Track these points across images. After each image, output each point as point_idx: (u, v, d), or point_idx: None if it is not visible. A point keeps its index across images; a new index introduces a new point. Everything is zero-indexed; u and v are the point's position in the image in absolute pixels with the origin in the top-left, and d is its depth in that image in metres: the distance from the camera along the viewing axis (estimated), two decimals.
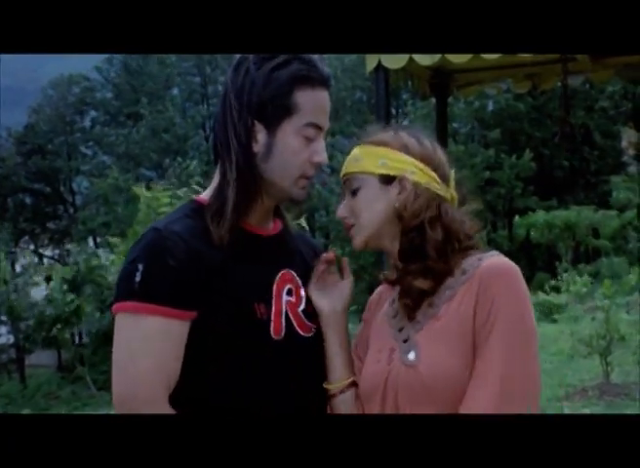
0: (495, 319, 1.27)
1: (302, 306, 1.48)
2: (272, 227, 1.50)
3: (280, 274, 1.45)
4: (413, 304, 1.38)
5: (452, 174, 1.45)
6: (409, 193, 1.37)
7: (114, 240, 7.03)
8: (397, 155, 1.40)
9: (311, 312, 1.49)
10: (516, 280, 1.30)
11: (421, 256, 1.36)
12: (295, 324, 1.44)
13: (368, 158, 1.42)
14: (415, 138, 1.43)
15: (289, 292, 1.46)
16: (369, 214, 1.41)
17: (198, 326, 1.32)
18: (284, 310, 1.43)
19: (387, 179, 1.40)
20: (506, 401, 1.25)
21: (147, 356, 1.29)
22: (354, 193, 1.43)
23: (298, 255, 1.53)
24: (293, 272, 1.48)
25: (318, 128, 1.40)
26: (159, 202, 6.50)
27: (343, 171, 1.45)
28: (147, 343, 1.29)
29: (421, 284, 1.37)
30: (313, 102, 1.38)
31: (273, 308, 1.41)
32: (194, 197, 1.49)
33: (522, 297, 1.29)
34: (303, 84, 1.37)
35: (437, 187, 1.40)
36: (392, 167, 1.40)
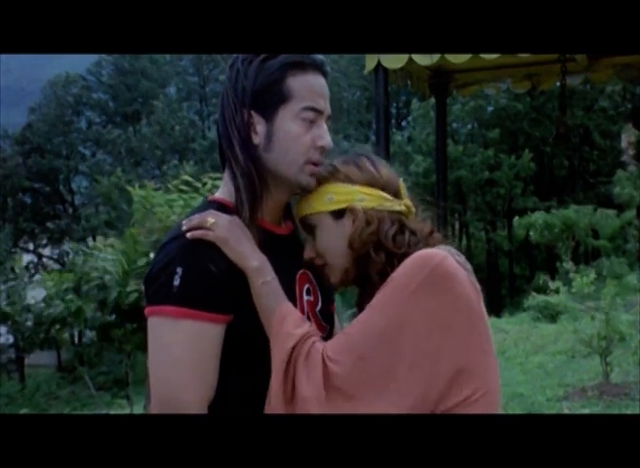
0: (382, 288, 1.30)
1: (319, 306, 1.48)
2: (285, 227, 1.50)
3: (299, 273, 1.45)
4: None
5: (402, 185, 1.45)
6: (360, 221, 1.38)
7: (112, 241, 7.01)
8: (341, 187, 1.41)
9: (327, 313, 1.50)
10: (412, 262, 1.29)
11: (369, 280, 1.38)
12: (314, 324, 1.43)
13: (315, 198, 1.42)
14: (354, 165, 1.43)
15: (307, 292, 1.46)
16: (333, 253, 1.41)
17: (232, 329, 1.32)
18: (306, 310, 1.43)
19: (339, 213, 1.40)
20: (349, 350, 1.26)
21: (190, 361, 1.28)
22: (312, 233, 1.44)
23: None
24: (309, 272, 1.48)
25: (316, 111, 1.38)
26: (153, 200, 6.48)
27: (297, 214, 1.46)
28: (189, 348, 1.28)
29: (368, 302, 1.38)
30: (307, 86, 1.37)
31: (298, 309, 1.40)
32: (209, 197, 1.48)
33: (409, 275, 1.27)
34: (295, 69, 1.36)
35: (388, 205, 1.41)
36: (340, 200, 1.40)
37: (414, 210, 1.44)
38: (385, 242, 1.37)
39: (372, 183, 1.41)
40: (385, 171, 1.45)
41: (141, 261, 6.27)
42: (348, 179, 1.41)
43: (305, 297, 1.44)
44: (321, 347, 1.28)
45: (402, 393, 1.25)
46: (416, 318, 1.25)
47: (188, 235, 1.31)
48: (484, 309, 1.35)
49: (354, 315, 1.42)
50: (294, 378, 1.28)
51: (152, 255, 6.19)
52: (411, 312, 1.25)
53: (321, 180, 1.42)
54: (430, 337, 1.25)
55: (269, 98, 1.36)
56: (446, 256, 1.31)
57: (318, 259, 1.44)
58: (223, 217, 1.34)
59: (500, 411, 1.36)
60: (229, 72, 1.39)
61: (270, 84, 1.35)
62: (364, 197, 1.40)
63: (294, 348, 1.28)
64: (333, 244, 1.41)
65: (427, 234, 1.41)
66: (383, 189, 1.42)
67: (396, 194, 1.43)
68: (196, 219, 1.33)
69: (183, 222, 1.34)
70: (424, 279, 1.27)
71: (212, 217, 1.33)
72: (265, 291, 1.33)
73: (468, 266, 1.36)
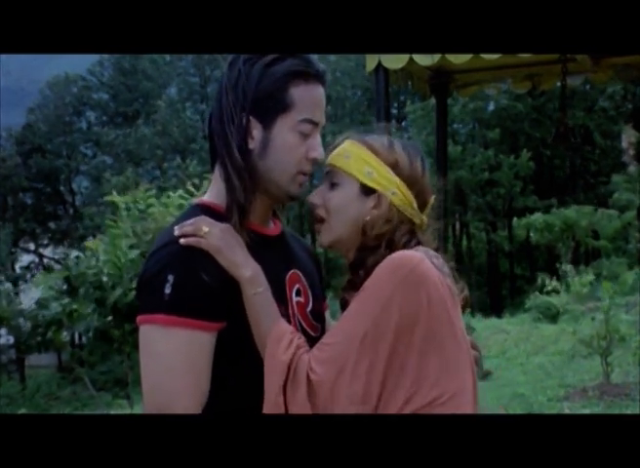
0: (359, 292, 1.31)
1: (310, 306, 1.48)
2: (273, 228, 1.50)
3: (289, 274, 1.45)
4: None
5: (431, 200, 1.46)
6: (381, 213, 1.39)
7: (93, 243, 6.98)
8: (385, 171, 1.40)
9: (318, 312, 1.50)
10: (389, 265, 1.30)
11: (363, 266, 1.38)
12: (305, 325, 1.44)
13: (356, 161, 1.41)
14: (408, 158, 1.43)
15: (297, 293, 1.45)
16: (339, 218, 1.42)
17: (224, 336, 1.32)
18: (296, 312, 1.43)
19: (367, 190, 1.41)
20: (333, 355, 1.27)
21: (183, 370, 1.28)
22: (332, 186, 1.43)
23: (298, 255, 1.53)
24: (299, 272, 1.48)
25: (314, 123, 1.39)
26: (147, 201, 6.44)
27: (330, 160, 1.44)
28: (182, 357, 1.28)
29: (350, 295, 1.39)
30: (308, 98, 1.37)
31: (289, 310, 1.41)
32: (195, 200, 1.48)
33: (386, 279, 1.28)
34: (298, 79, 1.36)
35: (411, 213, 1.42)
36: (376, 180, 1.40)
37: (425, 227, 1.45)
38: (397, 244, 1.38)
39: (411, 184, 1.41)
40: (427, 180, 1.45)
41: (128, 256, 6.23)
42: (395, 166, 1.41)
43: (295, 298, 1.44)
44: (307, 359, 1.28)
45: (374, 395, 1.26)
46: (392, 324, 1.26)
47: (182, 241, 1.30)
48: (459, 312, 1.36)
49: (342, 306, 1.42)
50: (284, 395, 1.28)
51: (134, 250, 6.19)
52: (387, 319, 1.26)
53: (373, 147, 1.42)
54: (404, 341, 1.27)
55: (270, 106, 1.35)
56: (422, 259, 1.31)
57: (321, 210, 1.43)
58: (217, 226, 1.33)
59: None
60: (229, 71, 1.38)
61: (272, 92, 1.35)
62: (397, 193, 1.40)
63: (288, 370, 1.28)
64: (344, 211, 1.41)
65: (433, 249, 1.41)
66: (417, 196, 1.42)
67: (422, 206, 1.44)
68: (189, 227, 1.32)
69: (175, 228, 1.33)
70: (400, 283, 1.28)
71: (205, 226, 1.32)
72: (258, 301, 1.32)
73: (446, 269, 1.37)
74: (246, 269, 1.32)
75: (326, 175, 1.45)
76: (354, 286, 1.37)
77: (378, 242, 1.38)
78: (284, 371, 1.27)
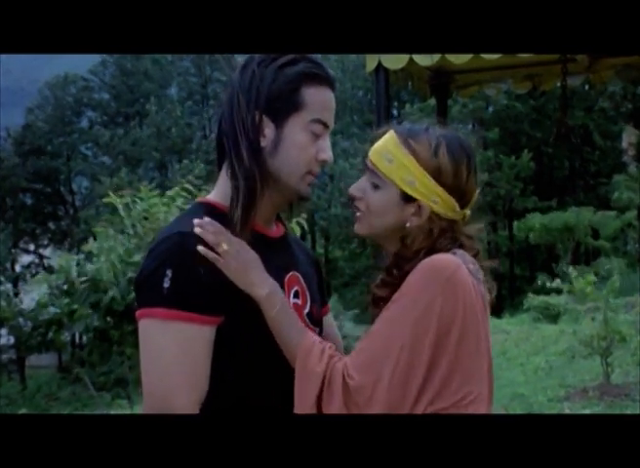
0: (396, 297, 1.31)
1: (307, 309, 1.48)
2: (276, 230, 1.50)
3: (288, 276, 1.46)
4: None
5: (475, 196, 1.44)
6: (421, 222, 1.39)
7: (89, 245, 6.95)
8: (427, 180, 1.38)
9: (315, 315, 1.50)
10: (427, 271, 1.30)
11: (400, 269, 1.39)
12: None
13: (398, 168, 1.39)
14: (452, 164, 1.39)
15: (295, 295, 1.46)
16: (378, 218, 1.42)
17: (223, 330, 1.32)
18: None
19: (408, 198, 1.39)
20: (369, 363, 1.27)
21: (182, 363, 1.28)
22: (373, 186, 1.42)
23: (298, 258, 1.54)
24: (298, 274, 1.49)
25: (324, 125, 1.41)
26: (150, 201, 6.40)
27: (372, 156, 1.43)
28: (180, 351, 1.28)
29: (383, 292, 1.40)
30: (320, 100, 1.40)
31: None
32: (199, 199, 1.49)
33: (425, 284, 1.28)
34: (311, 81, 1.38)
35: (452, 215, 1.41)
36: (417, 190, 1.38)
37: (467, 219, 1.44)
38: (438, 251, 1.37)
39: (454, 190, 1.40)
40: (472, 181, 1.43)
41: (127, 259, 6.20)
42: (438, 174, 1.38)
43: (293, 300, 1.44)
44: (341, 367, 1.28)
45: (411, 399, 1.26)
46: (431, 330, 1.27)
47: (199, 249, 1.30)
48: (487, 318, 1.37)
49: (372, 306, 1.42)
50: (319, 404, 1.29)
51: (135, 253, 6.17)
52: (427, 325, 1.27)
53: (415, 152, 1.39)
54: (440, 345, 1.27)
55: (282, 106, 1.37)
56: (459, 266, 1.31)
57: (361, 204, 1.43)
58: (234, 244, 1.33)
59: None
60: (242, 73, 1.40)
61: (286, 92, 1.37)
62: (438, 201, 1.39)
63: (322, 380, 1.28)
64: (383, 213, 1.41)
65: (472, 255, 1.41)
66: (460, 199, 1.41)
67: (465, 204, 1.43)
68: (211, 235, 1.32)
69: (195, 227, 1.33)
70: (440, 289, 1.28)
71: (225, 243, 1.32)
72: (280, 317, 1.33)
73: (480, 275, 1.37)
74: (261, 288, 1.33)
75: (367, 170, 1.44)
76: (387, 285, 1.38)
77: (416, 255, 1.37)
78: (318, 382, 1.27)
